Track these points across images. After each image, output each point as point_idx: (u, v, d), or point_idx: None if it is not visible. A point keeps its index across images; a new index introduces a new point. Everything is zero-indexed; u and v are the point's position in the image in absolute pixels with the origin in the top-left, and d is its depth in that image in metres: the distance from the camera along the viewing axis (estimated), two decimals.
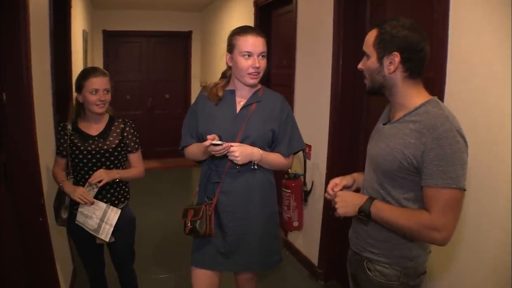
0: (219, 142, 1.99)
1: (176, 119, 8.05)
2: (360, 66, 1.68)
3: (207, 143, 1.99)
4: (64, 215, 2.47)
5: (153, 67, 8.07)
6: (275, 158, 2.24)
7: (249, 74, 2.14)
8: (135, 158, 2.61)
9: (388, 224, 1.58)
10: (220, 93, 2.25)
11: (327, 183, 3.30)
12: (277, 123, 2.23)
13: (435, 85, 2.11)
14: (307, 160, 3.56)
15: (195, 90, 8.15)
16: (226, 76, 2.33)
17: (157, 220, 4.86)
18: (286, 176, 3.52)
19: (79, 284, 3.32)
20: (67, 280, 3.11)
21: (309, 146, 3.56)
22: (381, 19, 1.61)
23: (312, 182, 3.57)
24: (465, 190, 1.46)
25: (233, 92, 2.27)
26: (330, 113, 3.25)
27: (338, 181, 1.85)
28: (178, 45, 8.19)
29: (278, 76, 4.18)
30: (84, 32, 5.55)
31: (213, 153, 2.06)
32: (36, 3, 2.58)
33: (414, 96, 1.57)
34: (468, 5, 1.96)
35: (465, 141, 1.47)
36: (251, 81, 2.17)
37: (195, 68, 8.20)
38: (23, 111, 2.31)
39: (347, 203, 1.67)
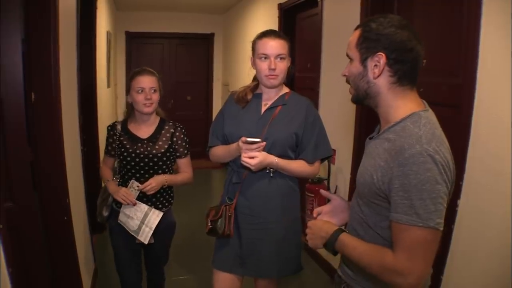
0: (256, 140, 2.03)
1: (198, 121, 8.10)
2: (343, 72, 1.46)
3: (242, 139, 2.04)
4: (106, 213, 2.51)
5: (175, 69, 8.12)
6: (297, 166, 2.19)
7: (266, 76, 2.16)
8: (184, 163, 2.59)
9: (354, 262, 1.35)
10: (249, 96, 2.28)
11: (351, 188, 3.28)
12: (301, 128, 2.19)
13: (464, 92, 2.05)
14: (331, 165, 3.52)
15: (217, 92, 8.20)
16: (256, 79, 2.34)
17: (178, 221, 4.83)
18: (309, 180, 3.50)
19: (100, 283, 3.35)
20: (89, 279, 3.13)
21: (334, 150, 3.51)
22: (367, 19, 1.41)
23: (336, 187, 3.53)
24: (438, 229, 1.18)
25: (260, 95, 2.28)
26: (356, 117, 3.21)
27: (320, 209, 1.62)
28: (200, 47, 8.22)
29: (302, 79, 4.15)
30: (108, 33, 5.61)
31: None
32: (65, 5, 2.61)
33: (399, 108, 1.32)
34: (502, 5, 1.85)
35: (443, 169, 1.18)
36: (269, 83, 2.19)
37: (217, 70, 8.22)
38: (51, 111, 2.33)
39: (315, 235, 1.46)
